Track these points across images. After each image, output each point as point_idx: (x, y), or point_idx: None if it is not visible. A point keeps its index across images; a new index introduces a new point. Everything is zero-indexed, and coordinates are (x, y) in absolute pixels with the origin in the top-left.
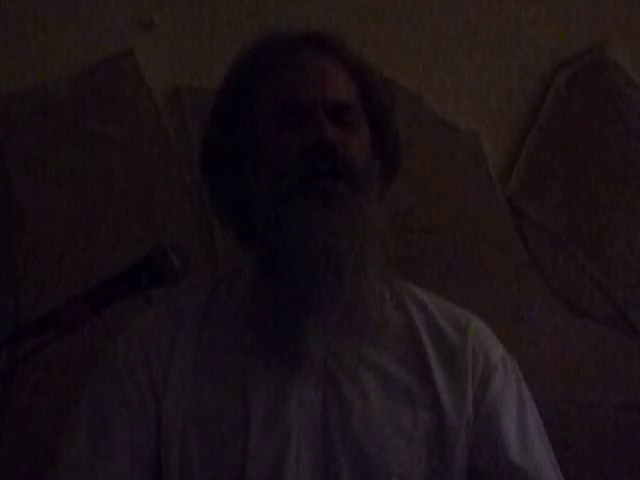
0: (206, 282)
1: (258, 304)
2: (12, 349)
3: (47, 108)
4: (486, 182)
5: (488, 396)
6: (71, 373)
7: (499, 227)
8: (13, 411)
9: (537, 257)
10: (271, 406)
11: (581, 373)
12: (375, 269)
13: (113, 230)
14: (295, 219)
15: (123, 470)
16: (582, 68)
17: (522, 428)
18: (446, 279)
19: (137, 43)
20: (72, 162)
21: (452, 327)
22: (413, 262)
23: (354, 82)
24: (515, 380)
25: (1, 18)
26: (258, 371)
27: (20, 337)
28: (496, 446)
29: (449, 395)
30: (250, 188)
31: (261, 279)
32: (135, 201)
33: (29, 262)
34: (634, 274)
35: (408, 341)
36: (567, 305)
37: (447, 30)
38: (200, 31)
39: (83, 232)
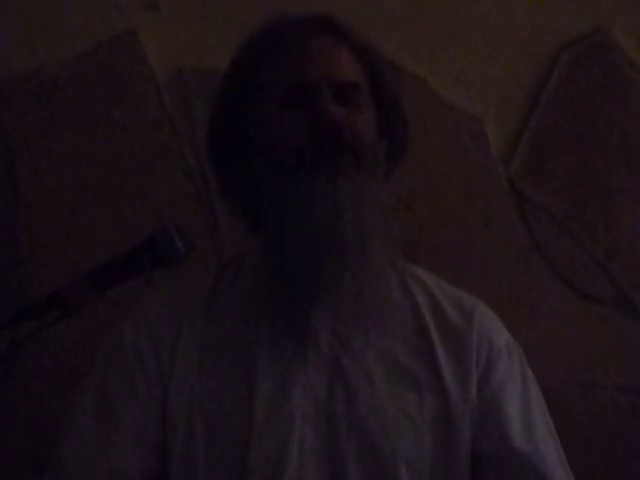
0: (211, 264)
1: (264, 288)
2: (14, 330)
3: (50, 89)
4: (489, 165)
5: (492, 381)
6: (74, 354)
7: (502, 210)
8: (15, 393)
9: (540, 240)
10: (276, 390)
11: (584, 355)
12: (379, 245)
13: (116, 211)
14: (299, 193)
15: (128, 451)
16: (585, 50)
17: (526, 413)
18: (449, 262)
19: (140, 24)
20: (75, 144)
21: (457, 311)
22: (415, 245)
23: (360, 64)
24: (519, 365)
25: (5, 1)
26: (264, 355)
27: (22, 318)
28: (500, 431)
29: (454, 380)
30: (256, 169)
31: (267, 262)
32: (138, 183)
33: (32, 244)
34: (637, 257)
35: (413, 325)
36: (570, 288)
37: (450, 13)
38: (203, 12)
39: (86, 214)
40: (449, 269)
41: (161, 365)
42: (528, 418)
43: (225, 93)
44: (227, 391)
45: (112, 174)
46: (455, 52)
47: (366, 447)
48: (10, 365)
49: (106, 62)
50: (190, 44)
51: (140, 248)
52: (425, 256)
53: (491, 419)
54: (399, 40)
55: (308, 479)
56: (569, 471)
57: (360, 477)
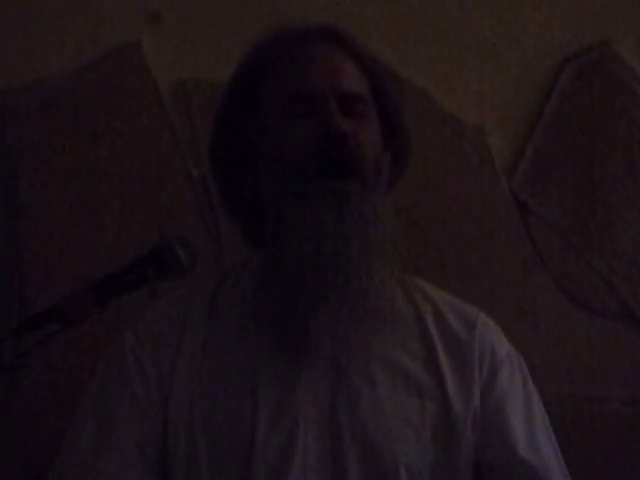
0: (213, 274)
1: (266, 295)
2: (17, 341)
3: (53, 101)
4: (491, 176)
5: (495, 391)
6: (75, 365)
7: (504, 221)
8: (17, 403)
9: (542, 251)
10: (279, 395)
11: (586, 367)
12: (386, 270)
13: (119, 223)
14: (306, 223)
15: (129, 462)
16: (588, 63)
17: (529, 423)
18: (451, 273)
19: (144, 36)
20: (78, 155)
21: (459, 322)
22: (417, 256)
23: (364, 75)
24: (521, 375)
25: (9, 11)
26: (266, 361)
27: (25, 329)
28: (504, 440)
29: (456, 388)
30: (260, 182)
31: (269, 272)
32: (141, 194)
33: (34, 255)
34: (639, 268)
35: (416, 332)
36: (572, 299)
37: (453, 25)
38: (206, 24)
39: (88, 225)
40: (452, 281)
41: (162, 375)
42: (531, 427)
43: (229, 102)
44: (230, 397)
45: (114, 185)
46: (458, 63)
47: (367, 451)
48: (13, 376)
49: (109, 73)
50: (193, 56)
51: (143, 260)
52: (429, 268)
53: (495, 428)
54: (402, 52)
55: None
56: None
57: None
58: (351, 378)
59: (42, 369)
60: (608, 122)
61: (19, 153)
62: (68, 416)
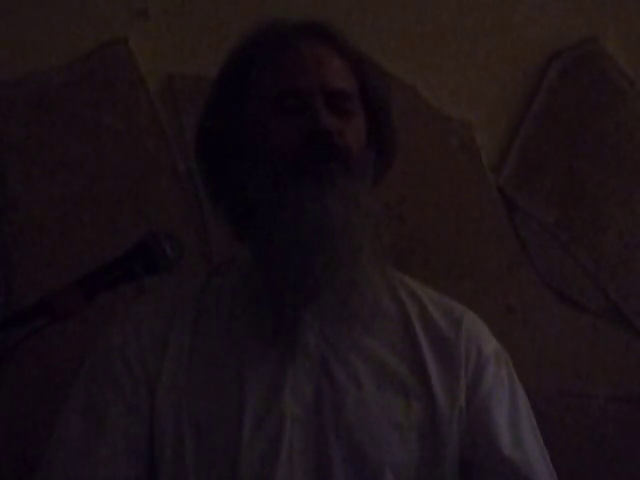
0: (201, 270)
1: (253, 292)
2: (4, 336)
3: (40, 96)
4: (478, 172)
5: (481, 389)
6: (62, 360)
7: (491, 217)
8: (5, 398)
9: (529, 248)
10: (265, 393)
11: (573, 364)
12: (369, 251)
13: (106, 217)
14: (289, 201)
15: (116, 459)
16: (575, 59)
17: (514, 421)
18: (437, 269)
19: (131, 31)
20: (65, 150)
21: (445, 319)
22: (404, 252)
23: (351, 71)
24: (507, 373)
25: None
26: (252, 359)
27: (12, 324)
28: (488, 438)
29: (441, 386)
30: (246, 175)
31: (256, 267)
32: (128, 189)
33: (22, 250)
34: (626, 266)
35: (402, 331)
36: (559, 296)
37: (440, 20)
38: (194, 19)
39: (76, 220)
40: (439, 277)
41: (148, 371)
42: (517, 426)
43: (216, 95)
44: (216, 395)
45: (102, 180)
46: (445, 59)
47: (352, 451)
48: (0, 370)
49: (97, 69)
50: (180, 51)
51: (130, 254)
52: (416, 264)
53: (479, 426)
54: (389, 48)
55: None
56: (556, 478)
57: None
58: (336, 377)
59: (30, 363)
60: (595, 118)
61: (7, 148)
62: (56, 410)
